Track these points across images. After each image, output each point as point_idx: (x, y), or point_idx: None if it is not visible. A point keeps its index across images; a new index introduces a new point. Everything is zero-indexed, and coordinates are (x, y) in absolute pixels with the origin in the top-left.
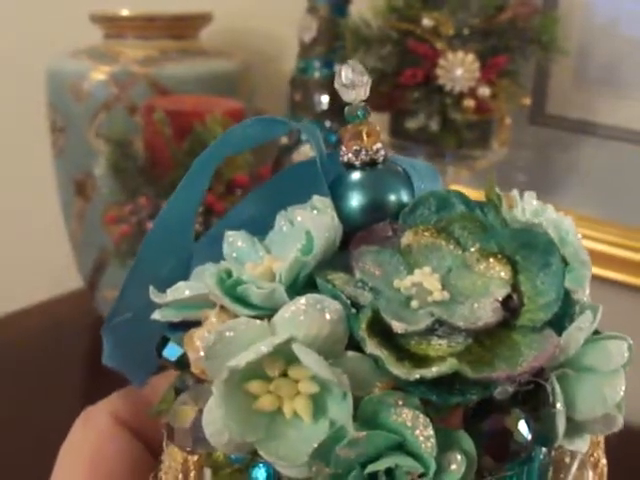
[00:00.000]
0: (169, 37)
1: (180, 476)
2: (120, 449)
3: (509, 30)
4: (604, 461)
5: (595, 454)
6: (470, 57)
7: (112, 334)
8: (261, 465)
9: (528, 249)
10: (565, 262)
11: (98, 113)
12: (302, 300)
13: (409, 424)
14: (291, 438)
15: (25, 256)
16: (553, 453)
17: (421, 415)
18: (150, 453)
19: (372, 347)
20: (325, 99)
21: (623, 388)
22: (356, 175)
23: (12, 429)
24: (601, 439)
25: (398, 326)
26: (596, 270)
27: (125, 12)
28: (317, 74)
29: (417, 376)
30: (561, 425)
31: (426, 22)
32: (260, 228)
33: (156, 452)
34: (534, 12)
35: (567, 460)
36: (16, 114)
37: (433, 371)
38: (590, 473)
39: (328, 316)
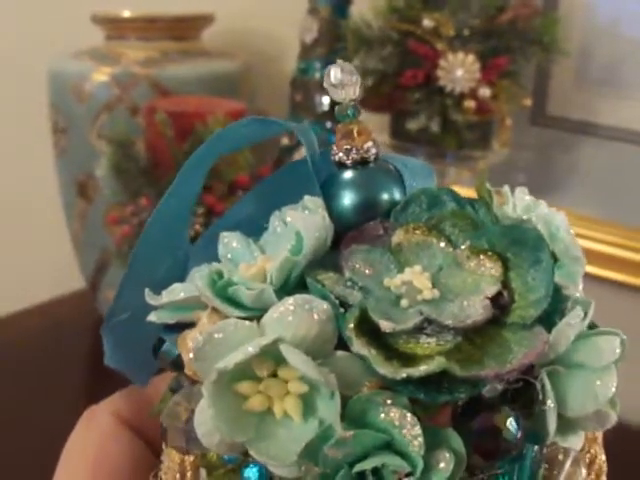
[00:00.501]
0: (170, 38)
1: (178, 476)
2: (122, 449)
3: (510, 31)
4: (602, 457)
5: (592, 450)
6: (470, 58)
7: (111, 334)
8: (253, 465)
9: (518, 246)
10: (555, 258)
11: (100, 114)
12: (290, 300)
13: (397, 423)
14: (281, 438)
15: (27, 256)
16: (546, 450)
17: (409, 414)
18: (152, 452)
19: (359, 346)
20: (326, 100)
21: (615, 384)
22: (347, 174)
23: (12, 429)
24: (598, 435)
25: (386, 325)
26: (597, 270)
27: (127, 13)
28: (318, 75)
29: (404, 375)
30: (552, 422)
31: (427, 23)
32: (256, 228)
33: (158, 451)
34: (535, 13)
35: (560, 457)
36: (18, 115)
37: (421, 370)
38: (583, 470)
39: (316, 316)
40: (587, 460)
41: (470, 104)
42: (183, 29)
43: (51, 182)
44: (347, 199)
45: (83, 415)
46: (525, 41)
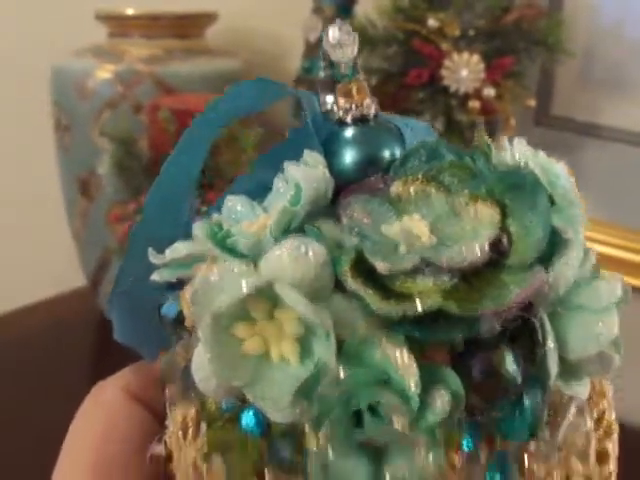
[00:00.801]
0: (174, 36)
1: (180, 434)
2: (131, 422)
3: (514, 31)
4: (612, 416)
5: (600, 405)
6: (475, 58)
7: (119, 306)
8: (250, 411)
9: (516, 191)
10: (553, 202)
11: (103, 111)
12: (287, 244)
13: (393, 361)
14: (277, 380)
15: (28, 254)
16: (550, 398)
17: (405, 352)
18: (161, 425)
19: (355, 286)
20: (330, 99)
21: (617, 326)
22: (348, 131)
23: (12, 428)
24: (607, 389)
25: (382, 266)
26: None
27: (130, 11)
28: (322, 74)
29: (400, 312)
30: (553, 364)
31: (432, 23)
32: (262, 196)
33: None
34: (540, 14)
35: (565, 406)
36: (21, 112)
37: (417, 306)
38: (589, 421)
39: (313, 259)
40: (595, 415)
41: (474, 104)
42: (186, 27)
43: (53, 179)
44: (347, 156)
45: (91, 391)
46: (530, 42)
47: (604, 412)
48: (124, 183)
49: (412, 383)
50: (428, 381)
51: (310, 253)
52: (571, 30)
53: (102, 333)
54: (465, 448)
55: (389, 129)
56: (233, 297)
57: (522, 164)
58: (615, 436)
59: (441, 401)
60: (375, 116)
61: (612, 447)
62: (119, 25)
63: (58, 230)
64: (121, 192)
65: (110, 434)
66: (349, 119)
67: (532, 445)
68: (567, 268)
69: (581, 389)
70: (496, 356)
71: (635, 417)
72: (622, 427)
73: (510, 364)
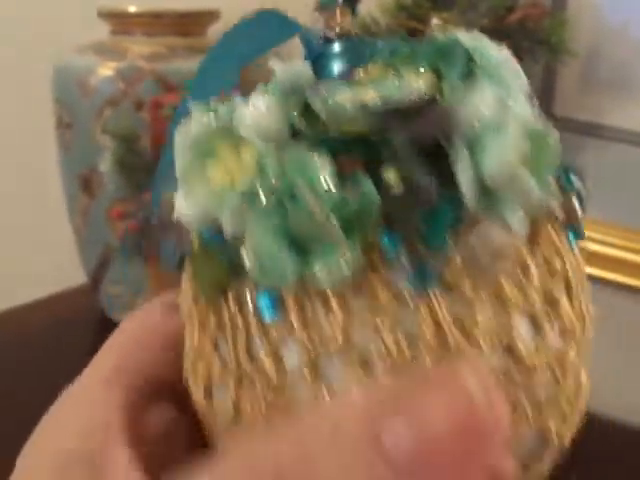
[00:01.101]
0: (176, 34)
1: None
2: (164, 322)
3: (518, 31)
4: (570, 273)
5: (547, 252)
6: None
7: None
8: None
9: (448, 58)
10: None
11: (104, 109)
12: (250, 99)
13: (313, 165)
14: (236, 199)
15: (29, 252)
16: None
17: (325, 158)
18: None
19: (293, 117)
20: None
21: (525, 151)
22: (333, 46)
23: (13, 427)
24: (562, 245)
25: (319, 106)
26: (605, 273)
27: (132, 8)
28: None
29: (328, 130)
30: (464, 180)
31: (435, 22)
32: None
33: None
34: (544, 13)
35: (487, 226)
36: (22, 110)
37: (337, 123)
38: (524, 254)
39: (272, 110)
40: (541, 259)
41: None
42: (189, 25)
43: (54, 177)
44: (334, 68)
45: None
46: (534, 41)
47: (559, 264)
48: (125, 180)
49: (327, 176)
50: (344, 184)
51: (268, 104)
52: (574, 30)
53: (103, 331)
54: (385, 252)
55: (370, 43)
56: (202, 128)
57: (454, 38)
58: (581, 298)
59: (353, 198)
60: (357, 34)
61: (566, 301)
62: (121, 22)
63: (59, 228)
64: (122, 190)
65: (147, 326)
66: (333, 35)
67: (458, 260)
68: (482, 104)
69: (511, 217)
70: (408, 166)
71: (635, 417)
72: (622, 427)
73: (420, 172)
